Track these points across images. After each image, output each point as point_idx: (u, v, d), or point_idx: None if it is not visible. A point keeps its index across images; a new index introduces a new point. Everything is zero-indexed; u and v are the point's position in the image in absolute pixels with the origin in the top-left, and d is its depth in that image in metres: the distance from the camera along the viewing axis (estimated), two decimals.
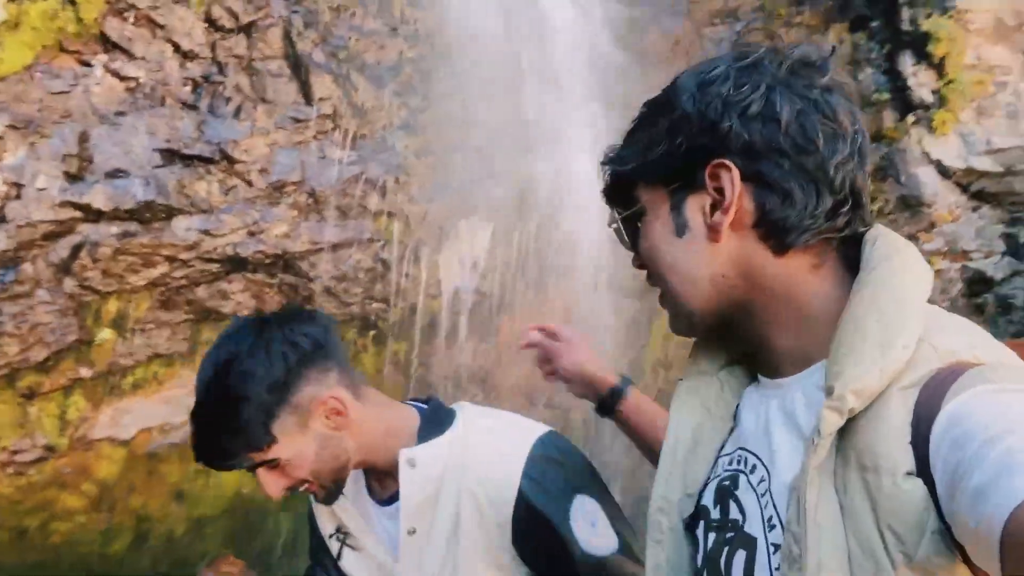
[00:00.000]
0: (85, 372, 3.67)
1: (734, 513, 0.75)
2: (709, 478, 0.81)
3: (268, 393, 1.06)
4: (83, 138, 3.48)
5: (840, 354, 0.65)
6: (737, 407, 0.83)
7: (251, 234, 3.88)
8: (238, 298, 4.05)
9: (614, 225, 0.83)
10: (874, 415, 0.62)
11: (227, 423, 1.05)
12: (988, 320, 4.62)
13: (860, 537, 0.59)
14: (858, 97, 5.47)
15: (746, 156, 0.72)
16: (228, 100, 3.87)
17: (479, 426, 1.20)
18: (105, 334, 3.69)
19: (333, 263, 4.21)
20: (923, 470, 0.58)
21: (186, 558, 4.40)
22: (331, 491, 1.15)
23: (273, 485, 1.09)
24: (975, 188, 4.92)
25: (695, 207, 0.76)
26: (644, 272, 0.83)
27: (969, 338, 0.67)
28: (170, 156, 3.64)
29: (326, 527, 1.29)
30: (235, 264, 3.92)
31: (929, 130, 5.10)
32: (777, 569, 0.65)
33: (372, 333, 4.76)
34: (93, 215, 3.45)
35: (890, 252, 0.70)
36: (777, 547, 0.66)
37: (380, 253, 4.37)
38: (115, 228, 3.51)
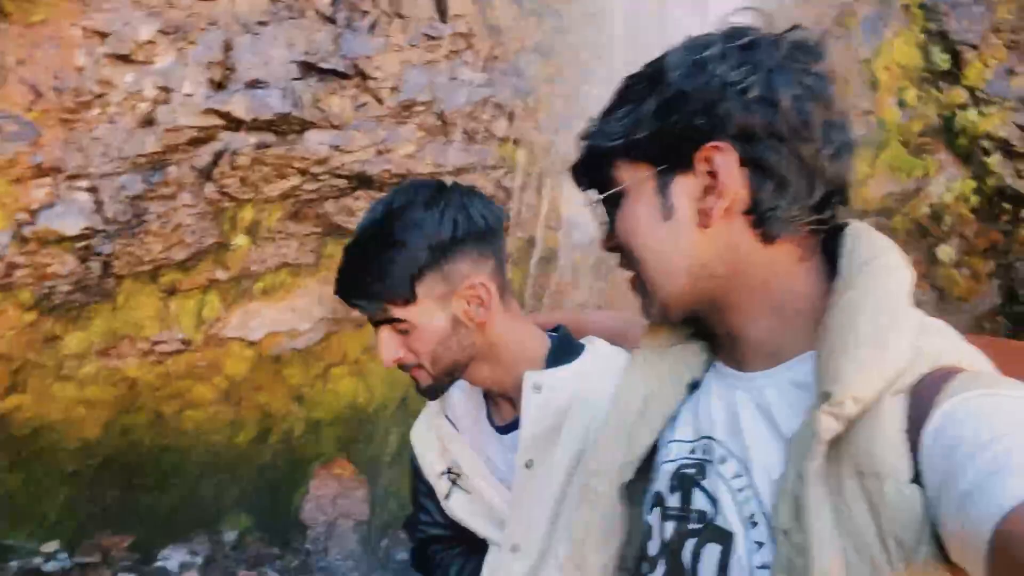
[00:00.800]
0: (221, 274, 3.87)
1: (700, 504, 0.73)
2: (658, 460, 0.80)
3: (427, 250, 1.04)
4: (227, 47, 3.56)
5: (834, 356, 0.64)
6: (693, 386, 0.81)
7: (379, 152, 3.89)
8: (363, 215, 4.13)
9: (595, 201, 0.79)
10: (868, 419, 0.61)
11: (378, 264, 1.03)
12: None
13: (857, 542, 0.58)
14: None
15: (743, 140, 0.70)
16: (365, 14, 3.84)
17: (610, 362, 1.11)
18: (240, 240, 3.85)
19: None
20: (916, 475, 0.58)
21: (303, 456, 4.68)
22: (437, 385, 1.11)
23: (390, 348, 1.06)
24: None
25: (683, 190, 0.73)
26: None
27: (953, 342, 0.66)
28: (307, 68, 3.67)
29: (435, 466, 1.24)
30: (362, 181, 3.97)
31: None
32: (760, 568, 0.64)
33: None
34: (234, 123, 3.55)
35: (876, 252, 0.69)
36: (759, 544, 0.65)
37: (503, 180, 4.30)
38: (253, 138, 3.60)
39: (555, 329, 1.18)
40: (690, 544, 0.72)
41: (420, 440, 1.27)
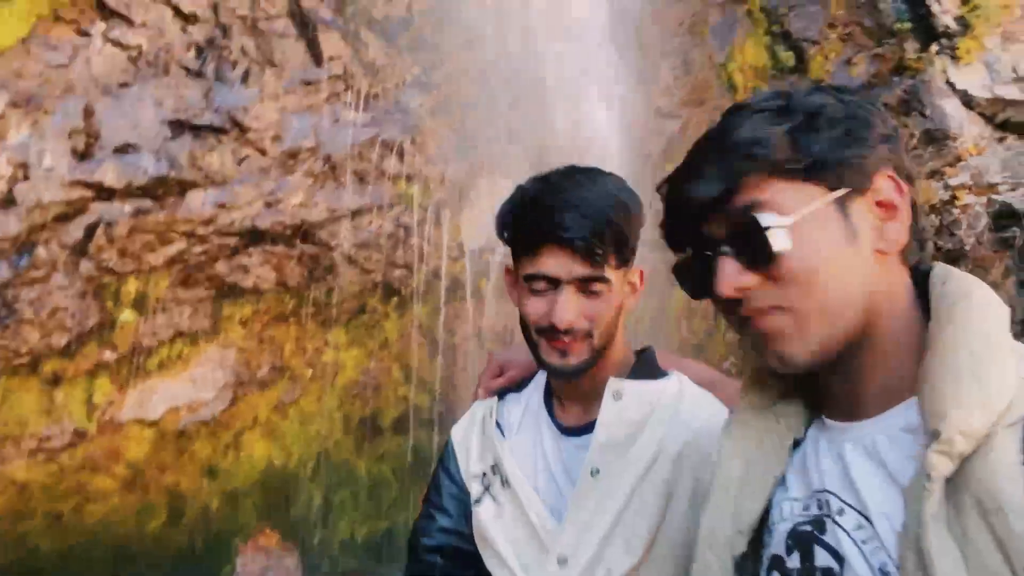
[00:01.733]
0: (109, 355, 3.59)
1: (823, 561, 0.70)
2: (771, 522, 0.77)
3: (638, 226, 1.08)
4: (88, 112, 3.32)
5: (937, 394, 0.63)
6: (795, 445, 0.79)
7: (268, 205, 3.74)
8: (258, 271, 3.94)
9: (767, 229, 0.70)
10: (984, 455, 0.60)
11: (626, 221, 1.07)
12: (1018, 255, 4.50)
13: None
14: (878, 27, 5.26)
15: (901, 173, 0.72)
16: (234, 64, 3.69)
17: (695, 390, 1.09)
18: (126, 315, 3.59)
19: (353, 231, 4.09)
20: None
21: (221, 532, 4.39)
22: (588, 362, 1.07)
23: (572, 308, 1.04)
24: (1001, 119, 4.76)
25: (861, 214, 0.71)
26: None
27: None
28: (179, 127, 3.48)
29: (475, 465, 1.18)
30: (253, 237, 3.79)
31: (953, 59, 4.91)
32: None
33: (394, 300, 4.67)
34: (105, 193, 3.31)
35: (968, 289, 0.69)
36: None
37: (400, 218, 4.24)
38: (128, 206, 3.37)
39: (643, 350, 1.17)
40: None
41: (462, 439, 1.22)
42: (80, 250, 3.35)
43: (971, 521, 0.59)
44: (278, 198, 3.74)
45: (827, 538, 0.70)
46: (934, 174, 5.15)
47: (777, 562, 0.75)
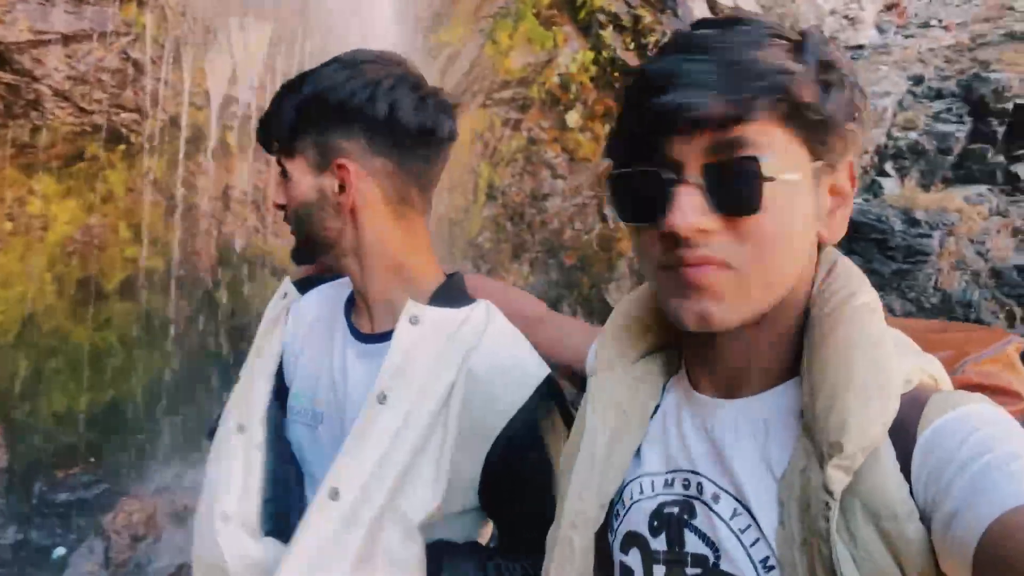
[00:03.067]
0: None
1: (694, 547, 0.68)
2: (627, 496, 0.74)
3: (317, 110, 0.99)
4: None
5: (837, 403, 0.61)
6: (654, 412, 0.75)
7: None
8: None
9: (766, 179, 0.61)
10: (872, 463, 0.60)
11: (277, 103, 1.02)
12: None
13: None
14: None
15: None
16: None
17: (503, 325, 1.00)
18: None
19: (66, 60, 3.39)
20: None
21: None
22: (299, 250, 1.06)
23: (274, 188, 1.07)
24: None
25: (823, 194, 0.66)
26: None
27: (913, 356, 0.66)
28: None
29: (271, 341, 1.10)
30: None
31: None
32: None
33: (121, 147, 4.04)
34: None
35: (853, 287, 0.67)
36: None
37: (129, 51, 3.60)
38: None
39: (452, 274, 1.06)
40: None
41: (267, 315, 1.14)
42: None
43: (860, 526, 0.58)
44: None
45: (698, 523, 0.68)
46: None
47: (635, 540, 0.72)
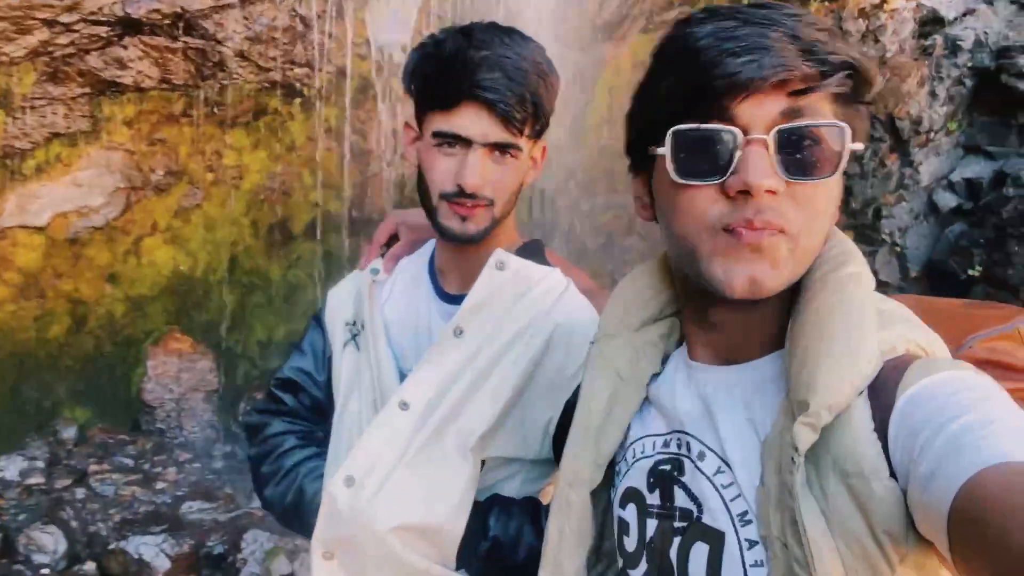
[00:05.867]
0: None
1: (682, 501, 0.72)
2: (629, 455, 0.78)
3: (550, 79, 1.03)
4: None
5: (808, 366, 0.63)
6: (653, 379, 0.79)
7: None
8: (138, 66, 3.57)
9: (852, 147, 0.65)
10: (842, 423, 0.61)
11: (542, 83, 1.03)
12: (935, 64, 4.51)
13: (851, 543, 0.59)
14: None
15: None
16: None
17: (578, 294, 1.07)
18: None
19: (243, 22, 3.69)
20: (891, 470, 0.59)
21: (130, 337, 4.38)
22: (486, 229, 1.04)
23: (479, 172, 1.00)
24: None
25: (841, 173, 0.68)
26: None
27: (902, 326, 0.66)
28: None
29: (342, 314, 1.17)
30: (128, 26, 3.39)
31: None
32: (754, 566, 0.65)
33: (298, 100, 4.37)
34: None
35: (843, 258, 0.67)
36: (752, 543, 0.65)
37: (297, 8, 3.84)
38: None
39: (531, 240, 1.14)
40: (676, 542, 0.71)
41: (337, 291, 1.22)
42: None
43: (831, 483, 0.60)
44: None
45: (686, 479, 0.72)
46: None
47: (634, 495, 0.76)
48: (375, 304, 1.13)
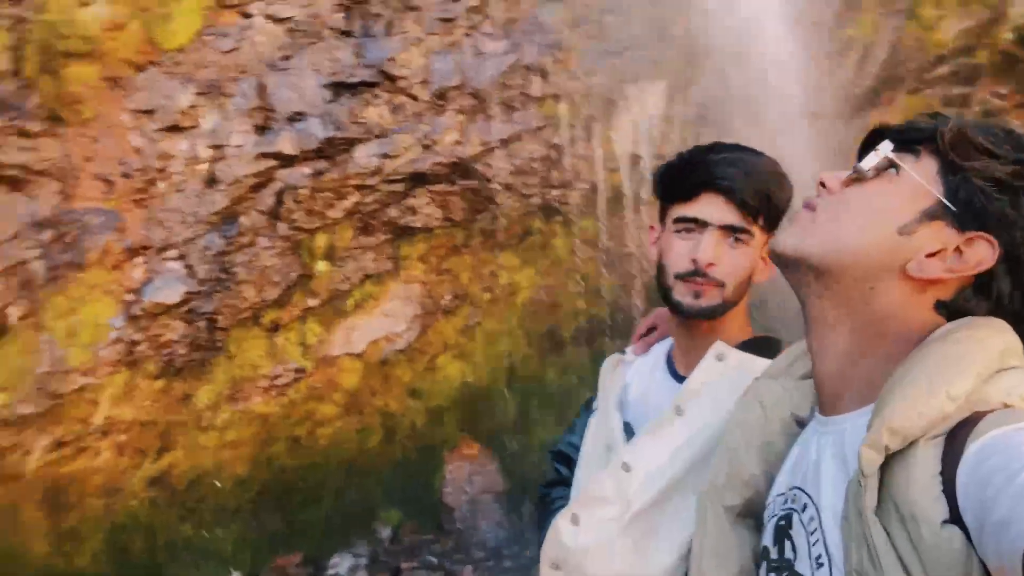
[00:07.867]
0: (312, 301, 4.07)
1: (788, 552, 0.76)
2: (766, 516, 0.82)
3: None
4: (261, 89, 3.68)
5: (885, 395, 0.65)
6: (799, 424, 0.83)
7: (425, 147, 3.96)
8: (426, 211, 4.22)
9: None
10: (906, 463, 0.62)
11: (779, 180, 1.16)
12: None
13: None
14: None
15: None
16: (378, 17, 3.87)
17: None
18: (321, 266, 4.03)
19: (507, 159, 4.21)
20: (956, 517, 0.59)
21: (430, 445, 4.92)
22: (720, 306, 1.15)
23: (713, 252, 1.12)
24: None
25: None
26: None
27: (1010, 383, 0.65)
28: (337, 88, 3.75)
29: (610, 393, 1.30)
30: (417, 179, 4.05)
31: None
32: None
33: (557, 219, 4.79)
34: (286, 160, 3.69)
35: (972, 325, 0.68)
36: None
37: (551, 139, 4.29)
38: (307, 169, 3.73)
39: (768, 336, 1.23)
40: None
41: (607, 367, 1.37)
42: (274, 214, 3.79)
43: (895, 525, 0.62)
44: (433, 139, 3.95)
45: (792, 532, 0.76)
46: None
47: (765, 554, 0.81)
48: (616, 378, 1.28)
